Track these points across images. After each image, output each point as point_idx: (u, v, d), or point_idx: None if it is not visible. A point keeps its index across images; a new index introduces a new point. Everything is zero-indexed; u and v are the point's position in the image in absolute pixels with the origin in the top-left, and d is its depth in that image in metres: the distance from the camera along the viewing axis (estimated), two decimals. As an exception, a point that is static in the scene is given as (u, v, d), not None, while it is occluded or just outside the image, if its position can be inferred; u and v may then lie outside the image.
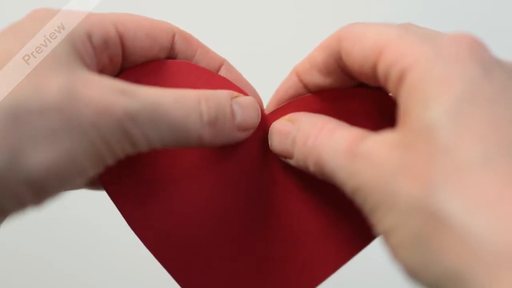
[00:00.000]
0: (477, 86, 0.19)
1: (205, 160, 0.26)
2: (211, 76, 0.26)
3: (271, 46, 0.59)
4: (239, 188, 0.27)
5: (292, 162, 0.25)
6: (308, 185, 0.27)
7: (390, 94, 0.22)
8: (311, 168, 0.24)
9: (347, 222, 0.27)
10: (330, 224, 0.27)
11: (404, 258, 0.19)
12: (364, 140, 0.21)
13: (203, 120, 0.23)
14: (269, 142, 0.27)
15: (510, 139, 0.18)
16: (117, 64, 0.25)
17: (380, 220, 0.20)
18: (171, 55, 0.27)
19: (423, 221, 0.18)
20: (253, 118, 0.26)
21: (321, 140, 0.23)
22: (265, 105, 0.28)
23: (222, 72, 0.28)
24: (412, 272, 0.19)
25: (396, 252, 0.19)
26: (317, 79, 0.26)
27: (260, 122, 0.26)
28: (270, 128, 0.27)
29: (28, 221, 0.61)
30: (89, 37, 0.23)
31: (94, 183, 0.27)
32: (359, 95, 0.26)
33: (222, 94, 0.24)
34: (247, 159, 0.27)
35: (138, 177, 0.26)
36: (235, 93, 0.25)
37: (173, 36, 0.26)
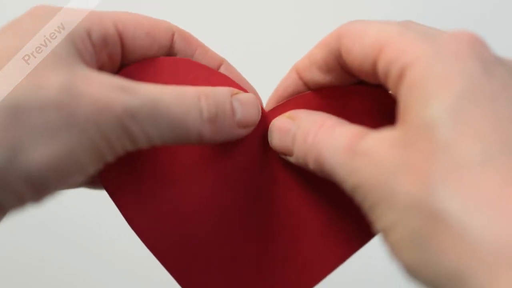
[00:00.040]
0: (477, 83, 0.19)
1: (205, 157, 0.26)
2: (210, 73, 0.26)
3: (271, 46, 0.59)
4: (239, 185, 0.27)
5: (292, 159, 0.25)
6: (308, 182, 0.27)
7: (390, 92, 0.22)
8: (311, 165, 0.24)
9: (347, 220, 0.27)
10: (330, 221, 0.27)
11: (403, 256, 0.19)
12: (364, 137, 0.21)
13: (203, 117, 0.23)
14: (269, 139, 0.27)
15: (510, 137, 0.18)
16: (117, 62, 0.25)
17: (380, 217, 0.20)
18: (170, 54, 0.27)
19: (423, 219, 0.18)
20: (253, 115, 0.26)
21: (321, 138, 0.23)
22: (264, 104, 0.28)
23: (222, 72, 0.28)
24: (411, 271, 0.19)
25: (395, 250, 0.19)
26: (317, 76, 0.26)
27: (260, 119, 0.26)
28: (270, 125, 0.27)
29: (28, 221, 0.61)
30: (89, 34, 0.23)
31: (93, 182, 0.27)
32: (359, 93, 0.26)
33: (222, 91, 0.24)
34: (247, 156, 0.27)
35: (137, 175, 0.26)
36: (235, 90, 0.25)
37: (173, 35, 0.26)
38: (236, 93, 0.25)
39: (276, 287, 0.28)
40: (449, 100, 0.18)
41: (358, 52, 0.22)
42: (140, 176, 0.26)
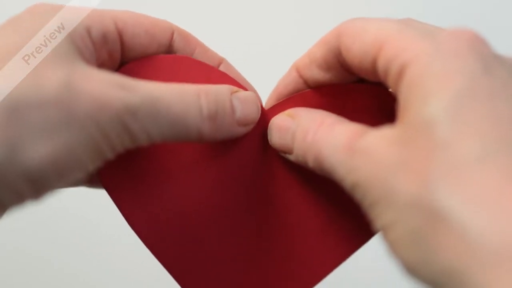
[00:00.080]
0: (477, 81, 0.19)
1: (204, 155, 0.26)
2: (210, 71, 0.26)
3: (271, 46, 0.59)
4: (239, 183, 0.27)
5: (291, 157, 0.25)
6: (307, 180, 0.27)
7: (390, 90, 0.22)
8: (311, 163, 0.24)
9: (347, 218, 0.27)
10: (330, 220, 0.27)
11: (402, 254, 0.19)
12: (363, 135, 0.21)
13: (202, 115, 0.23)
14: (269, 138, 0.27)
15: (510, 135, 0.18)
16: (116, 60, 0.25)
17: (379, 216, 0.20)
18: (169, 52, 0.27)
19: (422, 218, 0.18)
20: (253, 113, 0.26)
21: (320, 136, 0.23)
22: (264, 103, 0.28)
23: None
24: (410, 269, 0.19)
25: (394, 249, 0.19)
26: (317, 74, 0.26)
27: (260, 118, 0.26)
28: (270, 124, 0.27)
29: (28, 221, 0.61)
30: (88, 32, 0.23)
31: (92, 181, 0.27)
32: (359, 91, 0.26)
33: (222, 89, 0.24)
34: (247, 154, 0.27)
35: (136, 173, 0.26)
36: (235, 88, 0.25)
37: (172, 34, 0.26)
38: (236, 91, 0.25)
39: (275, 285, 0.28)
40: (448, 98, 0.18)
41: (358, 50, 0.22)
42: (139, 174, 0.26)
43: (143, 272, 0.58)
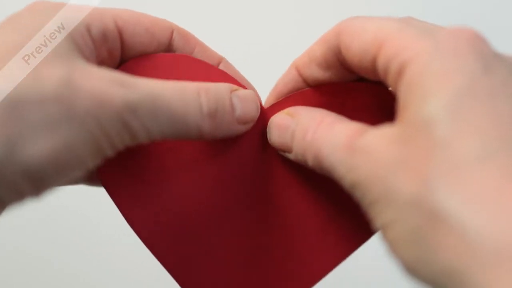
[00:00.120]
0: (476, 80, 0.18)
1: (203, 154, 0.26)
2: (210, 69, 0.26)
3: (270, 45, 0.59)
4: (238, 182, 0.27)
5: (291, 156, 0.25)
6: (307, 179, 0.27)
7: (390, 88, 0.22)
8: (310, 162, 0.24)
9: (346, 217, 0.27)
10: (329, 219, 0.27)
11: (402, 254, 0.19)
12: (363, 134, 0.21)
13: (202, 112, 0.23)
14: (268, 136, 0.27)
15: (510, 135, 0.18)
16: (116, 58, 0.25)
17: (379, 215, 0.20)
18: (169, 51, 0.27)
19: (421, 217, 0.18)
20: (253, 111, 0.26)
21: (320, 134, 0.23)
22: (263, 102, 0.28)
23: None
24: (409, 269, 0.19)
25: (393, 248, 0.19)
26: (316, 73, 0.26)
27: (259, 116, 0.26)
28: (269, 122, 0.27)
29: (28, 221, 0.61)
30: (88, 29, 0.23)
31: (92, 179, 0.27)
32: (359, 89, 0.26)
33: (222, 87, 0.24)
34: (246, 153, 0.27)
35: (135, 172, 0.26)
36: (234, 87, 0.25)
37: (172, 32, 0.26)
38: (235, 90, 0.25)
39: (274, 285, 0.28)
40: (447, 96, 0.18)
41: (357, 49, 0.22)
42: (138, 172, 0.26)
43: (143, 272, 0.58)
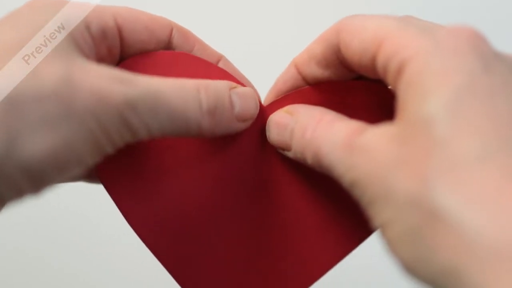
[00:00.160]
0: (476, 79, 0.18)
1: (203, 152, 0.26)
2: (209, 67, 0.26)
3: (269, 44, 0.59)
4: (237, 180, 0.27)
5: (290, 154, 0.25)
6: (306, 177, 0.27)
7: (389, 87, 0.22)
8: (309, 160, 0.24)
9: (345, 216, 0.27)
10: (328, 217, 0.27)
11: (400, 252, 0.19)
12: (362, 133, 0.21)
13: (202, 109, 0.23)
14: (267, 134, 0.27)
15: (509, 133, 0.18)
16: (116, 56, 0.25)
17: (377, 213, 0.20)
18: (168, 49, 0.27)
19: (420, 216, 0.18)
20: (252, 109, 0.26)
21: (319, 133, 0.23)
22: (263, 101, 0.28)
23: None
24: (408, 268, 0.19)
25: (392, 247, 0.19)
26: (316, 71, 0.26)
27: (258, 114, 0.26)
28: (268, 120, 0.27)
29: (28, 221, 0.61)
30: (88, 27, 0.23)
31: (91, 176, 0.27)
32: (358, 88, 0.26)
33: (221, 84, 0.24)
34: (245, 151, 0.27)
35: (135, 169, 0.26)
36: (234, 84, 0.25)
37: (171, 30, 0.26)
38: (234, 87, 0.25)
39: (274, 284, 0.28)
40: (447, 95, 0.18)
41: (357, 47, 0.22)
42: (137, 170, 0.26)
43: (143, 272, 0.58)
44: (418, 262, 0.18)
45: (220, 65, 0.28)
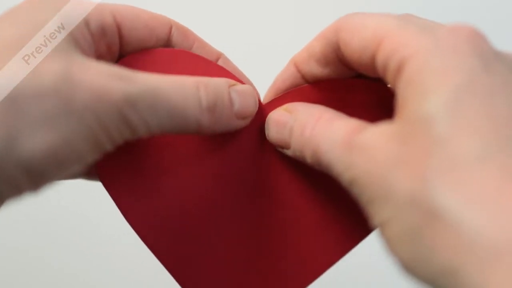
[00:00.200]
0: (476, 78, 0.18)
1: (201, 150, 0.26)
2: (208, 64, 0.26)
3: (269, 42, 0.59)
4: (236, 178, 0.27)
5: (289, 152, 0.25)
6: (305, 176, 0.27)
7: (389, 85, 0.22)
8: (308, 158, 0.24)
9: (344, 214, 0.27)
10: (327, 215, 0.27)
11: (399, 252, 0.19)
12: (362, 131, 0.21)
13: (202, 106, 0.23)
14: (266, 132, 0.27)
15: (509, 133, 0.17)
16: (115, 53, 0.25)
17: (376, 212, 0.20)
18: (168, 47, 0.27)
19: (418, 215, 0.18)
20: (251, 106, 0.26)
21: (318, 131, 0.23)
22: (262, 99, 0.28)
23: None
24: (407, 267, 0.19)
25: (391, 246, 0.19)
26: (315, 69, 0.26)
27: (257, 112, 0.26)
28: (267, 118, 0.26)
29: (28, 221, 0.61)
30: (87, 24, 0.23)
31: (91, 173, 0.27)
32: (357, 86, 0.26)
33: (220, 81, 0.24)
34: (244, 149, 0.27)
35: (134, 167, 0.26)
36: (233, 82, 0.25)
37: (170, 28, 0.26)
38: (234, 84, 0.25)
39: (272, 282, 0.28)
40: (446, 94, 0.18)
41: (356, 45, 0.22)
42: (136, 167, 0.26)
43: (143, 272, 0.58)
44: (417, 262, 0.18)
45: (220, 63, 0.28)
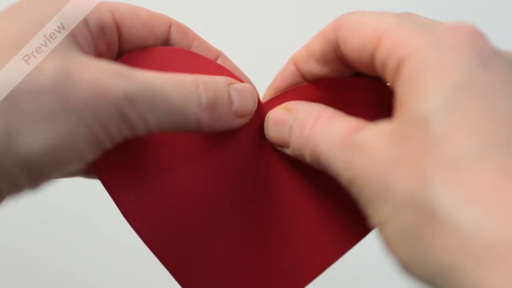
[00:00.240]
0: (474, 77, 0.18)
1: (200, 148, 0.26)
2: (207, 63, 0.26)
3: (268, 41, 0.59)
4: (235, 176, 0.27)
5: (288, 151, 0.25)
6: (304, 174, 0.27)
7: (388, 84, 0.22)
8: (307, 157, 0.24)
9: (343, 213, 0.27)
10: (326, 215, 0.27)
11: (398, 251, 0.19)
12: (360, 130, 0.21)
13: (201, 104, 0.23)
14: (265, 131, 0.27)
15: (508, 132, 0.17)
16: (114, 51, 0.25)
17: (375, 212, 0.20)
18: (167, 45, 0.27)
19: (417, 215, 0.18)
20: (250, 104, 0.25)
21: (317, 130, 0.23)
22: (261, 98, 0.28)
23: None
24: (405, 266, 0.19)
25: (390, 245, 0.19)
26: (314, 68, 0.26)
27: (256, 111, 0.26)
28: (266, 117, 0.26)
29: (28, 221, 0.61)
30: (86, 22, 0.23)
31: (90, 171, 0.27)
32: (357, 85, 0.26)
33: (219, 79, 0.24)
34: (243, 148, 0.27)
35: (132, 165, 0.26)
36: (232, 80, 0.25)
37: (169, 26, 0.26)
38: (233, 83, 0.25)
39: (272, 281, 0.28)
40: (445, 93, 0.18)
41: (356, 44, 0.22)
42: (135, 165, 0.26)
43: (143, 272, 0.58)
44: (415, 261, 0.18)
45: (219, 61, 0.28)
